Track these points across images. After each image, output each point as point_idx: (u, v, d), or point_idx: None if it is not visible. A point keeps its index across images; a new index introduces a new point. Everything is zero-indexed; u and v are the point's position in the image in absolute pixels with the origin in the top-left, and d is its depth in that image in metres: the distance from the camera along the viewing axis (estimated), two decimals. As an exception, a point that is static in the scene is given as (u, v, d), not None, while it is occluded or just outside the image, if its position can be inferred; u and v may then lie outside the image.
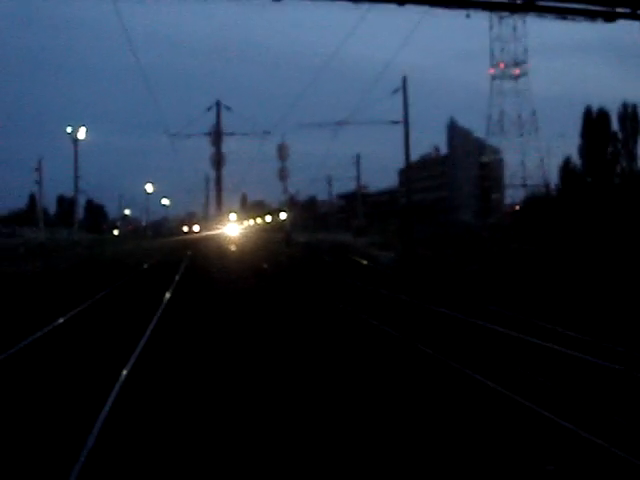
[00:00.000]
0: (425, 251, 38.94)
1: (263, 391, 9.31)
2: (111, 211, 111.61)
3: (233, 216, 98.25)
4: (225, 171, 73.53)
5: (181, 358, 11.60)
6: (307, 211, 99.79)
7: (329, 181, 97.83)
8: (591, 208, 42.92)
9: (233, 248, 59.28)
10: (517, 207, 72.47)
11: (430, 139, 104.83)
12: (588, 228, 35.89)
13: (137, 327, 14.65)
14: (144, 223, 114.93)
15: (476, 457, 6.65)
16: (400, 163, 66.71)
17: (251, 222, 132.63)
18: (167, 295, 21.80)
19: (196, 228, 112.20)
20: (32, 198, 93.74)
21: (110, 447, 7.05)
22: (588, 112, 69.76)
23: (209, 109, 68.74)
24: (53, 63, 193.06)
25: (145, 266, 37.97)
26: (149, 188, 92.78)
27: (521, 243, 36.64)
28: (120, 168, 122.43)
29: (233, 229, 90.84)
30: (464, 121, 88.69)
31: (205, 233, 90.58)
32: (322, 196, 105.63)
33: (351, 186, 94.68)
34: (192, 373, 10.42)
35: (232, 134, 68.92)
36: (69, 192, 67.84)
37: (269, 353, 11.94)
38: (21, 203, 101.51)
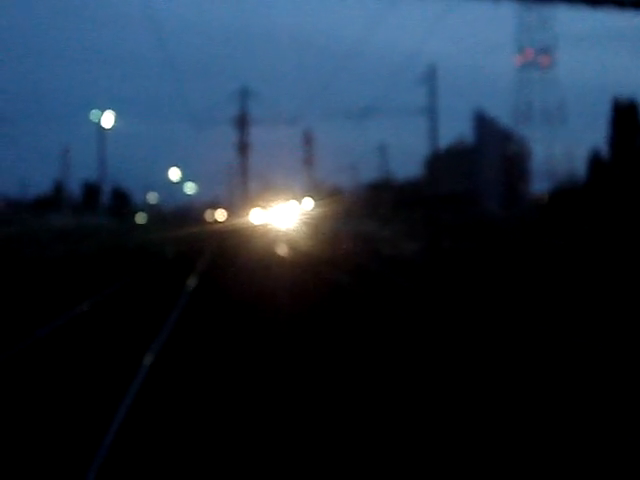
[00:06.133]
0: (451, 243, 38.29)
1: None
2: (137, 197, 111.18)
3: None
4: (251, 158, 72.75)
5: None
6: (332, 200, 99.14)
7: (354, 169, 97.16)
8: (621, 200, 42.09)
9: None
10: (546, 198, 71.10)
11: (456, 128, 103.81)
12: (619, 220, 35.10)
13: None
14: (167, 209, 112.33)
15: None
16: (426, 152, 66.28)
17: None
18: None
19: (222, 216, 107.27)
20: (57, 183, 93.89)
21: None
22: (617, 102, 68.73)
23: (234, 95, 68.59)
24: (79, 49, 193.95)
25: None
26: (174, 174, 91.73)
27: (551, 236, 35.70)
28: (145, 154, 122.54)
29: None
30: (490, 110, 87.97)
31: (236, 223, 77.95)
32: (346, 185, 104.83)
33: (376, 175, 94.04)
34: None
35: (259, 120, 68.72)
36: (95, 177, 67.55)
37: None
38: (46, 188, 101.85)
